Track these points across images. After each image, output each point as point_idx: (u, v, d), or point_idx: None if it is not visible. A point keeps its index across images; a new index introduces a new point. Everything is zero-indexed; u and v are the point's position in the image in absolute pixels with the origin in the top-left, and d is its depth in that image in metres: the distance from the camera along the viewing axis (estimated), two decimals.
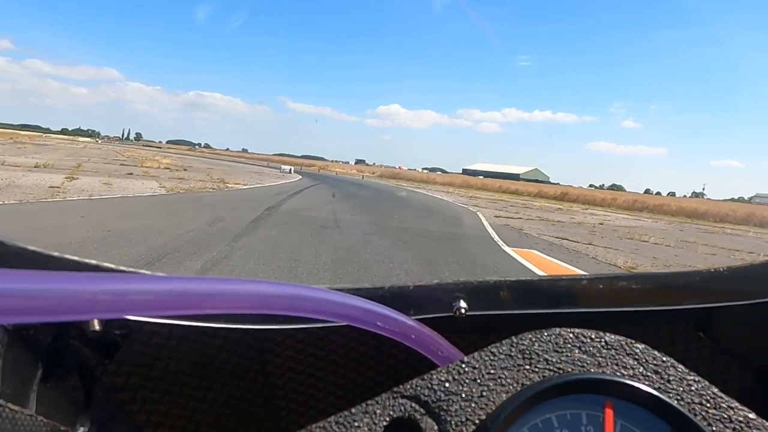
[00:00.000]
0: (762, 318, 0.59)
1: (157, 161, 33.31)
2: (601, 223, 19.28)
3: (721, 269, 0.58)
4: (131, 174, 18.81)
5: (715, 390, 0.41)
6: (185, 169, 27.23)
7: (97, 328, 0.48)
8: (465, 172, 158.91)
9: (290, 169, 43.76)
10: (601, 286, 0.59)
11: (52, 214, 8.13)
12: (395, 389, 0.41)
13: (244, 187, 19.64)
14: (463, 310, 0.56)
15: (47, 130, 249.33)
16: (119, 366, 0.53)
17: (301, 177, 36.90)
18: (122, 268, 0.49)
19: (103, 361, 0.52)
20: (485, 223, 14.48)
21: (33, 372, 0.46)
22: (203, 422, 0.59)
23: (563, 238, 12.26)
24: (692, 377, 0.42)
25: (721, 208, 43.31)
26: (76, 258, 0.46)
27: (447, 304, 0.56)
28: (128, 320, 0.51)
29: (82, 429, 0.49)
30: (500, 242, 10.08)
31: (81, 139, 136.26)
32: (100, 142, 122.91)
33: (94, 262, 0.47)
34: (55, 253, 0.45)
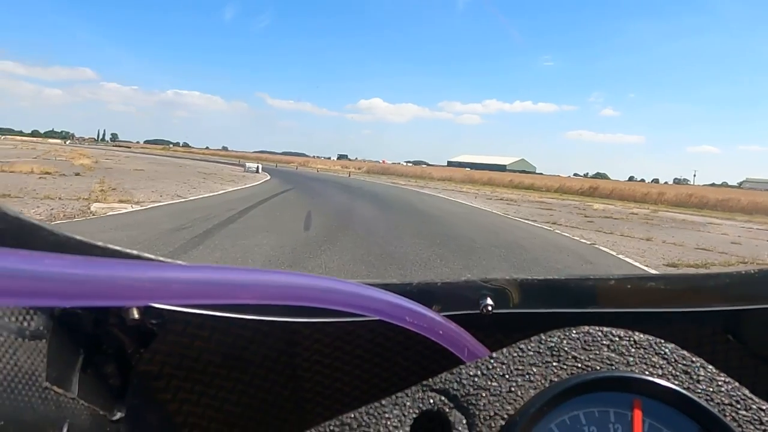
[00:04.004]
0: None
1: (67, 160, 24.39)
2: None
3: (752, 271, 0.57)
4: None
5: (746, 391, 0.40)
6: (78, 174, 18.08)
7: (136, 316, 0.48)
8: (450, 164, 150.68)
9: (257, 168, 34.08)
10: (629, 287, 0.58)
11: None
12: (425, 383, 0.40)
13: (142, 207, 10.64)
14: (489, 308, 0.56)
15: (20, 133, 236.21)
16: (154, 355, 0.54)
17: (268, 177, 27.92)
18: (161, 258, 0.50)
19: (139, 349, 0.53)
20: None
21: (75, 357, 0.47)
22: (232, 412, 0.59)
23: None
24: (722, 378, 0.41)
25: None
26: (118, 248, 0.47)
27: (474, 302, 0.56)
28: (163, 310, 0.51)
29: (119, 414, 0.49)
30: None
31: (51, 141, 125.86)
32: (68, 143, 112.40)
33: (135, 252, 0.48)
34: (99, 243, 0.47)
